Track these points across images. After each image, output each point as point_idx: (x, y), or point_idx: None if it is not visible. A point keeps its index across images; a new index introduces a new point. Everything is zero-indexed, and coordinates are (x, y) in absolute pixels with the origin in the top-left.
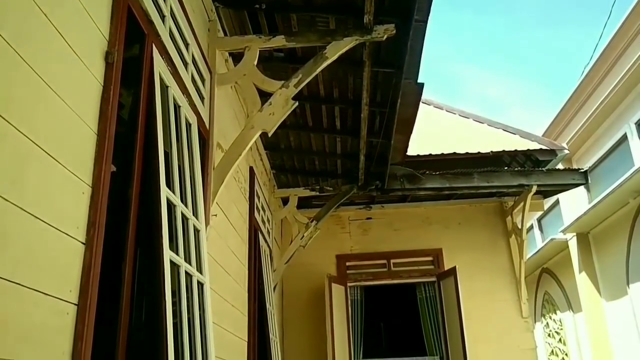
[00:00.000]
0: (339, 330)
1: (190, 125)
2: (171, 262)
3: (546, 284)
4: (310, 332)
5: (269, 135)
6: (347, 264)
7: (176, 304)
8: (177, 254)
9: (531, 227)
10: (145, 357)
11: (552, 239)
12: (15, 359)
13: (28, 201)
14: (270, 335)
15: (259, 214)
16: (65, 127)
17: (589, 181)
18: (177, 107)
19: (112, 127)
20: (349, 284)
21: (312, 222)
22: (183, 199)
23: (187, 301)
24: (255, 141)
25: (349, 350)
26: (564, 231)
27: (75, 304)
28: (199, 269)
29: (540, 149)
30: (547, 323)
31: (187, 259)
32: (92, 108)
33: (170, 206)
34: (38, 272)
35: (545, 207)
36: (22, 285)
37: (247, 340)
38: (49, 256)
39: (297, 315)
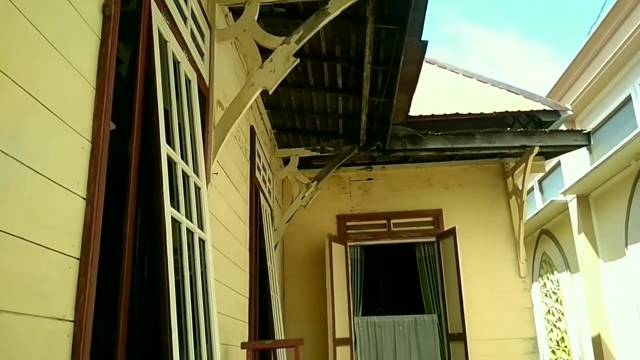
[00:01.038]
0: (338, 288)
1: (189, 81)
2: (172, 218)
3: (544, 245)
4: (310, 289)
5: (270, 93)
6: (348, 224)
7: (178, 260)
8: (178, 210)
9: (532, 188)
10: (148, 312)
11: (552, 201)
12: (19, 311)
13: (27, 155)
14: (272, 293)
15: (260, 174)
16: (64, 81)
17: (592, 143)
18: (176, 63)
19: (110, 81)
20: (349, 244)
21: (312, 182)
22: (183, 157)
23: (189, 258)
24: (255, 99)
25: (349, 308)
26: (564, 193)
27: (77, 259)
28: (201, 226)
29: (544, 110)
30: (545, 283)
31: (188, 216)
32: (90, 62)
33: (171, 163)
34: (39, 227)
35: (547, 168)
36: (24, 239)
37: (248, 296)
38: (50, 211)
39: (297, 273)
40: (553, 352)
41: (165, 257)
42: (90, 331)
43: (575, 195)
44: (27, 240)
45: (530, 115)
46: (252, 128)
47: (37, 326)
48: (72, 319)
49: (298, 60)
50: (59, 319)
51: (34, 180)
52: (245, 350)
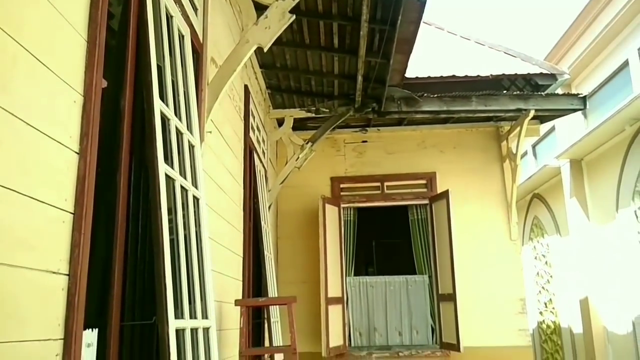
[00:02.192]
0: (331, 249)
1: (183, 37)
2: (166, 175)
3: (536, 209)
4: (303, 250)
5: (265, 50)
6: (341, 186)
7: (172, 219)
8: (172, 168)
9: (525, 153)
10: (143, 269)
11: (545, 165)
12: (13, 264)
13: (19, 107)
14: (265, 252)
15: (254, 134)
16: (54, 32)
17: (587, 107)
18: (169, 18)
19: (102, 33)
20: (342, 205)
21: (307, 144)
22: (177, 114)
23: (183, 216)
24: (250, 58)
25: (341, 268)
26: (558, 157)
27: (71, 213)
28: (195, 184)
29: (541, 73)
30: (535, 246)
31: (183, 174)
32: (81, 13)
33: (164, 120)
34: (32, 180)
35: (541, 133)
36: (17, 192)
37: (242, 255)
38: (42, 164)
39: (291, 234)
40: (541, 313)
41: (159, 212)
42: (84, 285)
43: (568, 160)
44: (20, 193)
45: (527, 78)
46: (246, 87)
47: (31, 279)
48: (67, 273)
49: (294, 17)
50: (54, 272)
51: (26, 133)
52: (239, 307)
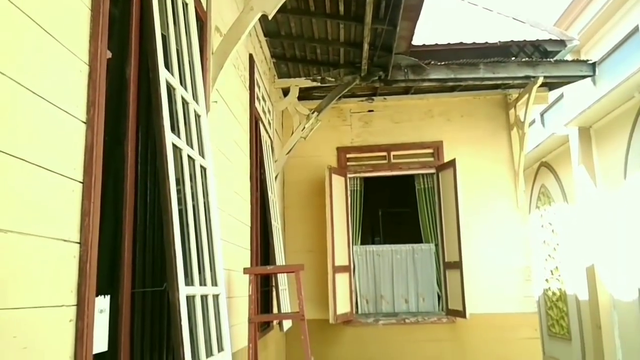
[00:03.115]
0: (338, 219)
1: (186, 5)
2: (173, 145)
3: (543, 177)
4: (310, 220)
5: (269, 18)
6: (348, 156)
7: (180, 189)
8: (178, 137)
9: (533, 121)
10: (152, 237)
11: (553, 133)
12: (25, 232)
13: (27, 77)
14: (272, 222)
15: (260, 104)
16: (59, 1)
17: (597, 74)
18: None
19: (105, 2)
20: (349, 175)
21: (313, 113)
22: (182, 83)
23: (191, 185)
24: (254, 26)
25: (348, 237)
26: (566, 125)
27: (80, 182)
28: (202, 154)
29: (550, 40)
30: (541, 215)
31: (189, 143)
32: None
33: (170, 89)
34: (40, 149)
35: (550, 100)
36: (25, 161)
37: (250, 225)
38: (50, 134)
39: (298, 204)
40: (547, 281)
41: (167, 182)
42: (96, 253)
43: (577, 127)
44: (30, 162)
45: (536, 45)
46: (250, 56)
47: (43, 246)
48: (78, 241)
49: None
50: (65, 240)
51: (33, 102)
52: (247, 275)
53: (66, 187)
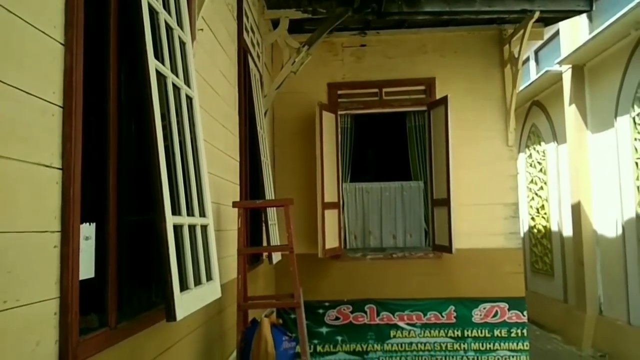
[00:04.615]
0: (328, 156)
1: None
2: (157, 72)
3: (534, 116)
4: (300, 156)
5: None
6: (339, 92)
7: (165, 115)
8: (163, 64)
9: (527, 59)
10: (138, 166)
11: (546, 71)
12: (4, 155)
13: None
14: (262, 157)
15: (248, 36)
16: None
17: (594, 9)
18: None
19: None
20: (339, 112)
21: (303, 47)
22: (166, 7)
23: (176, 114)
24: None
25: (337, 174)
26: (560, 62)
27: (60, 106)
28: (187, 83)
29: None
30: (531, 154)
31: (174, 71)
32: None
33: (153, 12)
34: (17, 70)
35: (545, 37)
36: (3, 82)
37: (238, 160)
38: (27, 55)
39: (287, 140)
40: (532, 218)
41: (151, 109)
42: (79, 179)
43: (570, 66)
44: (6, 84)
45: None
46: None
47: (24, 171)
48: (60, 167)
49: None
50: (47, 166)
51: (8, 21)
52: (237, 209)
53: (46, 111)
